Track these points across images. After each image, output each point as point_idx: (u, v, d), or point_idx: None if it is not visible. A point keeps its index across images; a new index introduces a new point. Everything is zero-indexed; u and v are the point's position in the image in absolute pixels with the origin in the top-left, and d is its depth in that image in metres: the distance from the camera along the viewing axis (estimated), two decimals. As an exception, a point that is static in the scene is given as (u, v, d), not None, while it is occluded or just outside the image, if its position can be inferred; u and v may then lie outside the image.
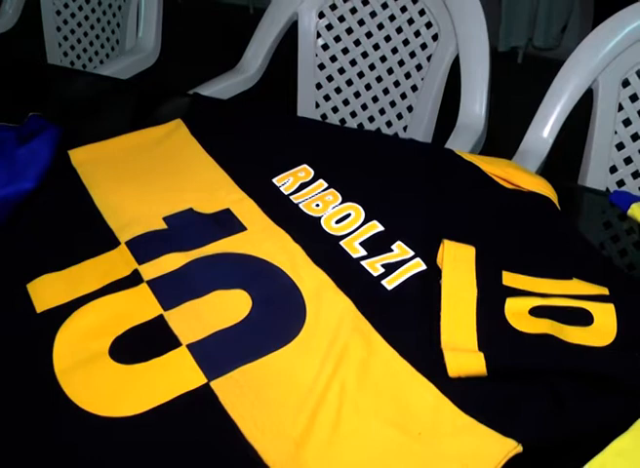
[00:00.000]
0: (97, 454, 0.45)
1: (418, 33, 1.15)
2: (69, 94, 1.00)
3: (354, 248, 0.62)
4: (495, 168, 0.71)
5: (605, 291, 0.54)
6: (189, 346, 0.52)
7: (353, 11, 1.20)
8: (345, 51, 1.22)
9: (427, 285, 0.56)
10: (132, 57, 1.36)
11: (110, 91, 1.02)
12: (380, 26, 1.18)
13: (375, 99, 1.23)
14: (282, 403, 0.48)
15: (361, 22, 1.20)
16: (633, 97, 0.98)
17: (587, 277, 0.56)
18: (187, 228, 0.65)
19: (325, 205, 0.67)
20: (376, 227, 0.64)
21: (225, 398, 0.48)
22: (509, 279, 0.55)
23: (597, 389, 0.46)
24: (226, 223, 0.65)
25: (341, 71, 1.24)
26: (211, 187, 0.71)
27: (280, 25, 1.22)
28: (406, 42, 1.17)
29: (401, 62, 1.18)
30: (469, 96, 1.08)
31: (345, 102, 1.26)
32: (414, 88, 1.18)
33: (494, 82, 1.07)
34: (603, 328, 0.50)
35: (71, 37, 1.54)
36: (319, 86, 1.26)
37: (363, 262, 0.60)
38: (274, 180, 0.72)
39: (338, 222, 0.65)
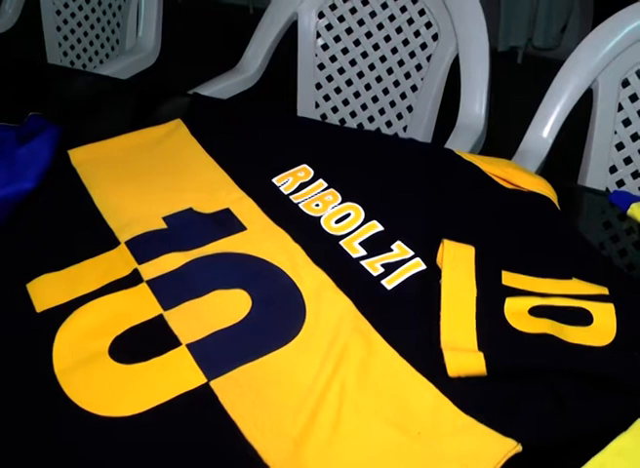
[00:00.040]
0: (96, 454, 0.45)
1: (417, 33, 1.15)
2: (69, 93, 1.00)
3: (354, 247, 0.62)
4: (494, 168, 0.71)
5: (605, 290, 0.54)
6: (189, 346, 0.52)
7: (353, 11, 1.20)
8: (345, 51, 1.22)
9: (427, 284, 0.56)
10: (132, 56, 1.36)
11: (110, 90, 1.02)
12: (380, 26, 1.18)
13: (374, 99, 1.23)
14: (282, 402, 0.48)
15: (361, 22, 1.20)
16: (633, 97, 0.98)
17: (587, 277, 0.56)
18: (187, 228, 0.65)
19: (325, 205, 0.67)
20: (375, 227, 0.64)
21: (225, 397, 0.48)
22: (509, 279, 0.55)
23: (597, 389, 0.46)
24: (226, 223, 0.65)
25: (341, 71, 1.24)
26: (211, 187, 0.71)
27: (280, 25, 1.22)
28: (406, 42, 1.17)
29: (401, 62, 1.18)
30: (469, 96, 1.08)
31: (345, 102, 1.26)
32: (413, 88, 1.18)
33: (493, 82, 1.07)
34: (603, 327, 0.50)
35: (71, 37, 1.54)
36: (319, 86, 1.26)
37: (363, 262, 0.60)
38: (274, 180, 0.72)
39: (337, 222, 0.65)
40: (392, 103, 1.21)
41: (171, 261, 0.60)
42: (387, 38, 1.18)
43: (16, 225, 0.66)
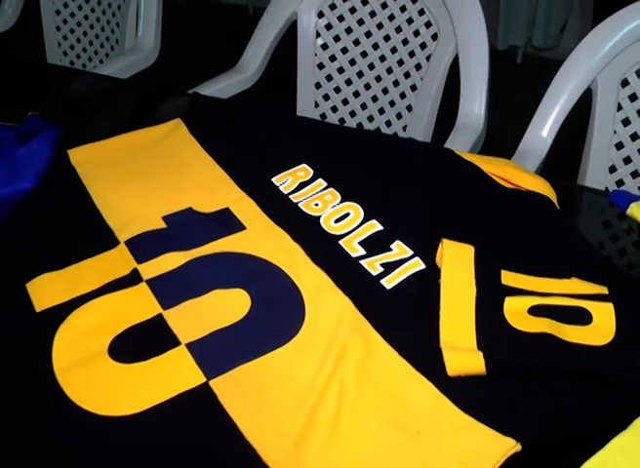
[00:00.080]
0: (96, 453, 0.45)
1: (417, 33, 1.15)
2: (69, 93, 1.00)
3: (353, 247, 0.62)
4: (494, 167, 0.71)
5: (604, 290, 0.54)
6: (188, 345, 0.52)
7: (352, 10, 1.20)
8: (345, 50, 1.22)
9: (426, 284, 0.56)
10: (131, 56, 1.36)
11: (110, 90, 1.02)
12: (380, 26, 1.18)
13: (374, 99, 1.23)
14: (281, 402, 0.48)
15: (360, 22, 1.20)
16: (632, 97, 0.98)
17: (587, 276, 0.56)
18: (187, 227, 0.65)
19: (324, 204, 0.67)
20: (375, 226, 0.64)
21: (224, 397, 0.48)
22: (508, 278, 0.55)
23: (596, 388, 0.46)
24: (226, 223, 0.65)
25: (341, 71, 1.24)
26: (210, 187, 0.71)
27: (279, 25, 1.23)
28: (405, 41, 1.17)
29: (400, 62, 1.18)
30: (469, 95, 1.08)
31: (345, 102, 1.26)
32: (413, 87, 1.18)
33: (493, 82, 1.07)
34: (602, 327, 0.50)
35: (71, 37, 1.54)
36: (318, 85, 1.26)
37: (362, 262, 0.60)
38: (273, 180, 0.72)
39: (337, 222, 0.65)
40: (392, 103, 1.21)
41: (170, 261, 0.60)
42: (387, 38, 1.18)
43: (15, 225, 0.66)
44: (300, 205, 0.68)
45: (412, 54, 1.17)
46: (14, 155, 0.72)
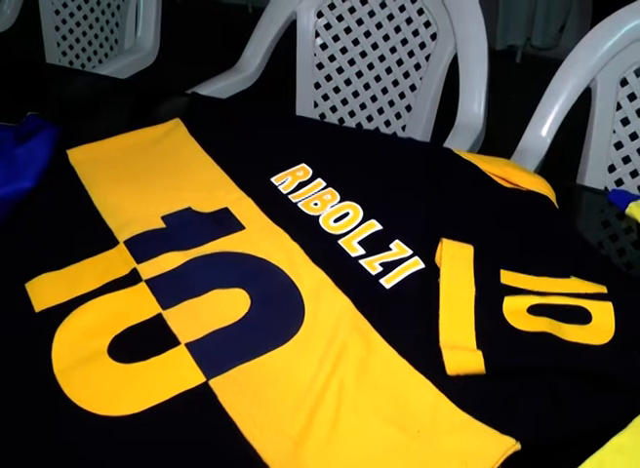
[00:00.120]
0: (96, 453, 0.45)
1: (416, 32, 1.15)
2: (68, 93, 1.00)
3: (353, 246, 0.62)
4: (493, 167, 0.71)
5: (603, 289, 0.54)
6: (188, 345, 0.52)
7: (352, 10, 1.20)
8: (344, 50, 1.22)
9: (426, 283, 0.56)
10: (130, 56, 1.36)
11: (109, 90, 1.02)
12: (379, 26, 1.18)
13: (373, 99, 1.23)
14: (281, 401, 0.48)
15: (360, 22, 1.20)
16: (631, 97, 0.98)
17: (586, 276, 0.56)
18: (186, 227, 0.65)
19: (323, 204, 0.67)
20: (374, 226, 0.64)
21: (224, 396, 0.48)
22: (508, 277, 0.55)
23: (595, 387, 0.46)
24: (225, 222, 0.65)
25: (340, 71, 1.24)
26: (209, 186, 0.71)
27: (279, 25, 1.22)
28: (404, 41, 1.17)
29: (400, 62, 1.18)
30: (468, 95, 1.08)
31: (344, 102, 1.26)
32: (412, 87, 1.18)
33: (492, 81, 1.07)
34: (601, 326, 0.50)
35: (70, 37, 1.53)
36: (317, 85, 1.26)
37: (361, 261, 0.60)
38: (273, 179, 0.72)
39: (336, 221, 0.65)
40: (391, 103, 1.21)
41: (170, 261, 0.60)
42: (386, 37, 1.18)
43: (14, 225, 0.66)
44: (299, 204, 0.68)
45: (411, 53, 1.17)
46: (13, 155, 0.72)
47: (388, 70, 1.20)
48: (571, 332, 0.50)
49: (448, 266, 0.56)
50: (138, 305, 0.56)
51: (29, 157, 0.72)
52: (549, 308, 0.52)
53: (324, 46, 1.23)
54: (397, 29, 1.17)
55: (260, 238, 0.63)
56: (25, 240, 0.65)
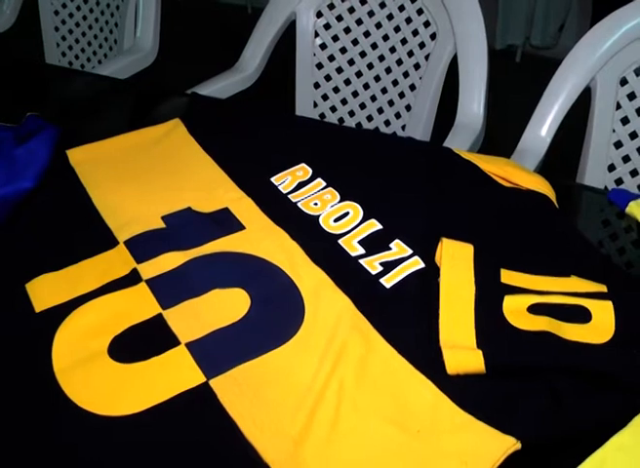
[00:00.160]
0: (96, 453, 0.45)
1: (416, 32, 1.15)
2: (67, 93, 1.00)
3: (353, 246, 0.62)
4: (493, 166, 0.71)
5: (603, 288, 0.54)
6: (188, 345, 0.52)
7: (351, 10, 1.20)
8: (343, 50, 1.22)
9: (426, 283, 0.56)
10: (130, 56, 1.36)
11: (108, 90, 1.02)
12: (379, 25, 1.19)
13: (373, 99, 1.23)
14: (281, 401, 0.48)
15: (359, 22, 1.20)
16: (631, 96, 0.98)
17: (586, 275, 0.56)
18: (186, 227, 0.65)
19: (323, 203, 0.67)
20: (374, 226, 0.64)
21: (224, 396, 0.48)
22: (507, 277, 0.55)
23: (595, 386, 0.46)
24: (225, 222, 0.65)
25: (339, 70, 1.24)
26: (209, 186, 0.71)
27: (278, 25, 1.22)
28: (404, 41, 1.17)
29: (399, 61, 1.18)
30: (467, 94, 1.08)
31: (344, 102, 1.26)
32: (412, 87, 1.18)
33: (492, 81, 1.07)
34: (601, 325, 0.50)
35: (69, 37, 1.53)
36: (317, 85, 1.26)
37: (361, 261, 0.60)
38: (272, 179, 0.72)
39: (336, 221, 0.65)
40: (391, 102, 1.21)
41: (170, 261, 0.60)
42: (386, 37, 1.18)
43: (14, 225, 0.66)
44: (299, 204, 0.68)
45: (410, 53, 1.17)
46: (13, 155, 0.72)
47: (388, 70, 1.20)
48: (571, 331, 0.50)
49: (448, 266, 0.56)
50: (138, 305, 0.56)
51: (29, 157, 0.72)
52: (549, 307, 0.52)
53: (323, 46, 1.23)
54: (397, 29, 1.17)
55: (260, 238, 0.63)
56: (25, 240, 0.65)
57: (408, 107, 1.19)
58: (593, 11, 2.49)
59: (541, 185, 0.69)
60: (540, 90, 0.99)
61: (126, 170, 0.75)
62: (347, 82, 1.24)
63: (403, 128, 1.20)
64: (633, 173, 1.01)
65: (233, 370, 0.50)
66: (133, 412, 0.47)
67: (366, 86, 1.23)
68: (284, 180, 0.71)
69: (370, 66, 1.21)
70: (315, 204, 0.67)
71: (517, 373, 0.48)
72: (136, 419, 0.47)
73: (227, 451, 0.45)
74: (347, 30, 1.21)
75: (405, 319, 0.54)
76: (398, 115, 1.21)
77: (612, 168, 1.02)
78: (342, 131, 0.87)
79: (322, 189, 0.69)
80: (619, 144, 1.01)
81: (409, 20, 1.16)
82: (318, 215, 0.66)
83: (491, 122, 1.09)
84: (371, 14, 1.19)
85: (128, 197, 0.69)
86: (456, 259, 0.57)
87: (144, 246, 0.62)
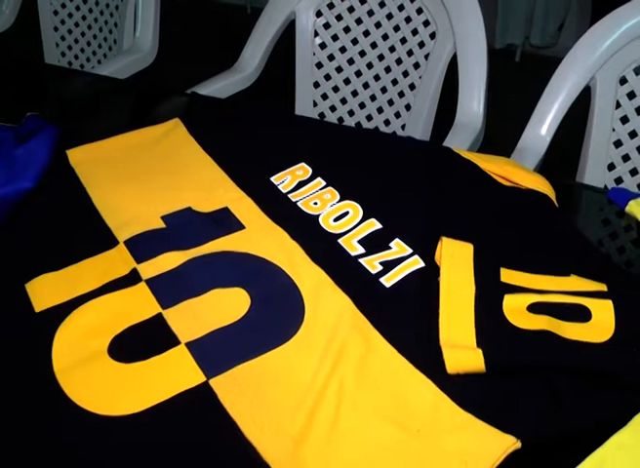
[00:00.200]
0: (96, 453, 0.45)
1: (415, 31, 1.15)
2: (67, 94, 1.00)
3: (352, 245, 0.62)
4: (493, 165, 0.71)
5: (603, 287, 0.54)
6: (188, 344, 0.52)
7: (351, 9, 1.20)
8: (343, 49, 1.22)
9: (426, 282, 0.56)
10: (129, 56, 1.36)
11: (108, 90, 1.02)
12: (378, 25, 1.19)
13: (373, 98, 1.23)
14: (281, 401, 0.48)
15: (358, 21, 1.20)
16: (631, 95, 0.98)
17: (586, 274, 0.56)
18: (186, 227, 0.65)
19: (323, 203, 0.67)
20: (374, 225, 0.64)
21: (224, 396, 0.48)
22: (507, 276, 0.55)
23: (595, 385, 0.46)
24: (224, 222, 0.65)
25: (339, 70, 1.24)
26: (209, 186, 0.71)
27: (277, 24, 1.22)
28: (403, 40, 1.17)
29: (399, 61, 1.18)
30: (467, 94, 1.08)
31: (343, 101, 1.26)
32: (412, 86, 1.18)
33: (491, 80, 1.07)
34: (601, 324, 0.51)
35: (69, 37, 1.53)
36: (317, 85, 1.26)
37: (361, 260, 0.60)
38: (272, 179, 0.72)
39: (336, 220, 0.65)
40: (390, 102, 1.21)
41: (169, 260, 0.60)
42: (385, 37, 1.18)
43: (14, 225, 0.66)
44: (298, 204, 0.68)
45: (410, 52, 1.17)
46: (13, 155, 0.72)
47: (387, 69, 1.20)
48: (571, 330, 0.50)
49: (448, 265, 0.56)
50: (138, 305, 0.56)
51: (29, 157, 0.72)
52: (549, 306, 0.52)
53: (323, 45, 1.23)
54: (396, 28, 1.17)
55: (260, 237, 0.63)
56: (25, 240, 0.65)
57: (407, 107, 1.19)
58: (593, 10, 2.49)
59: (541, 184, 0.69)
60: (540, 89, 0.99)
61: (126, 169, 0.75)
62: (347, 81, 1.24)
63: (403, 127, 1.20)
64: (633, 172, 1.01)
65: (233, 369, 0.50)
66: (133, 412, 0.47)
67: (365, 85, 1.23)
68: (284, 180, 0.71)
69: (369, 66, 1.21)
70: (315, 203, 0.67)
71: (517, 372, 0.48)
72: (136, 419, 0.47)
73: (227, 451, 0.45)
74: (347, 30, 1.21)
75: (405, 318, 0.54)
76: (398, 114, 1.21)
77: (611, 167, 1.02)
78: (342, 130, 0.87)
79: (322, 189, 0.69)
80: (618, 143, 1.01)
81: (408, 20, 1.16)
82: (318, 215, 0.66)
83: (490, 121, 1.09)
84: (370, 13, 1.19)
85: (128, 197, 0.69)
86: (455, 259, 0.57)
87: (144, 246, 0.62)
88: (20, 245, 0.64)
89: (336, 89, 1.25)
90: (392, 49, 1.18)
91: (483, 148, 1.05)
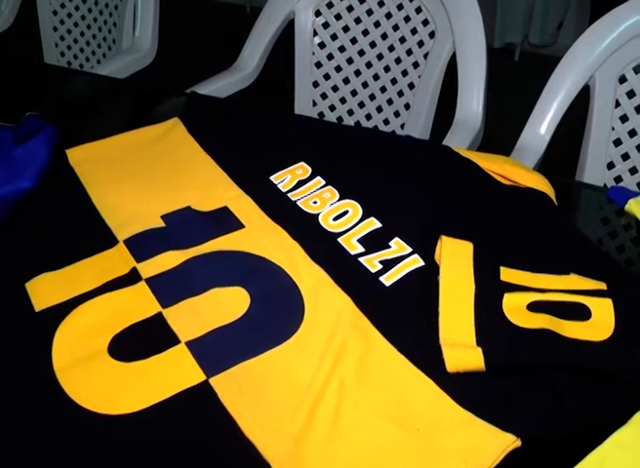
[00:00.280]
0: (96, 452, 0.45)
1: (414, 31, 1.15)
2: (66, 93, 1.00)
3: (352, 244, 0.62)
4: (492, 164, 0.71)
5: (603, 285, 0.54)
6: (188, 343, 0.52)
7: (350, 9, 1.20)
8: (342, 49, 1.22)
9: (425, 281, 0.56)
10: (129, 56, 1.36)
11: (107, 90, 1.02)
12: (377, 24, 1.19)
13: (372, 97, 1.23)
14: (281, 399, 0.48)
15: (357, 20, 1.20)
16: (630, 94, 0.98)
17: (585, 272, 0.56)
18: (185, 226, 0.65)
19: (323, 202, 0.67)
20: (373, 224, 0.64)
21: (224, 395, 0.48)
22: (507, 274, 0.55)
23: (595, 383, 0.46)
24: (224, 221, 0.65)
25: (338, 69, 1.24)
26: (208, 185, 0.71)
27: (277, 24, 1.22)
28: (402, 40, 1.17)
29: (398, 60, 1.18)
30: (466, 93, 1.08)
31: (342, 100, 1.26)
32: (411, 85, 1.18)
33: (490, 79, 1.07)
34: (601, 322, 0.51)
35: (68, 37, 1.53)
36: (316, 84, 1.26)
37: (361, 259, 0.60)
38: (272, 178, 0.72)
39: (335, 219, 0.65)
40: (390, 101, 1.21)
41: (169, 259, 0.60)
42: (384, 36, 1.18)
43: (14, 225, 0.66)
44: (298, 203, 0.68)
45: (409, 52, 1.17)
46: (12, 155, 0.72)
47: (387, 69, 1.20)
48: (570, 329, 0.50)
49: (447, 264, 0.56)
50: (137, 304, 0.56)
51: (28, 157, 0.72)
52: (549, 305, 0.52)
53: (322, 44, 1.23)
54: (395, 28, 1.17)
55: (260, 236, 0.63)
56: (25, 240, 0.65)
57: (407, 106, 1.19)
58: (592, 9, 2.49)
59: (541, 183, 0.69)
60: (539, 88, 0.99)
61: (125, 169, 0.75)
62: (346, 81, 1.24)
63: (402, 126, 1.20)
64: (632, 170, 1.01)
65: (233, 368, 0.50)
66: (133, 411, 0.47)
67: (365, 84, 1.23)
68: (283, 179, 0.71)
69: (369, 65, 1.21)
70: (314, 202, 0.67)
71: (517, 371, 0.48)
72: (136, 418, 0.47)
73: (228, 450, 0.45)
74: (346, 29, 1.21)
75: (405, 317, 0.54)
76: (397, 114, 1.21)
77: (611, 165, 1.02)
78: (341, 129, 0.88)
79: (321, 188, 0.69)
80: (618, 142, 1.01)
81: (407, 19, 1.16)
82: (317, 214, 0.66)
83: (490, 120, 1.09)
84: (369, 12, 1.19)
85: (127, 196, 0.69)
86: (455, 257, 0.57)
87: (144, 245, 0.62)
88: (20, 244, 0.64)
89: (335, 88, 1.25)
90: (391, 48, 1.18)
91: (482, 147, 1.05)
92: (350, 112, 1.26)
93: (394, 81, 1.20)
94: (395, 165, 0.73)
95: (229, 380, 0.49)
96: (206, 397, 0.48)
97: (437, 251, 0.58)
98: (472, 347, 0.49)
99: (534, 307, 0.52)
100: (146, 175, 0.74)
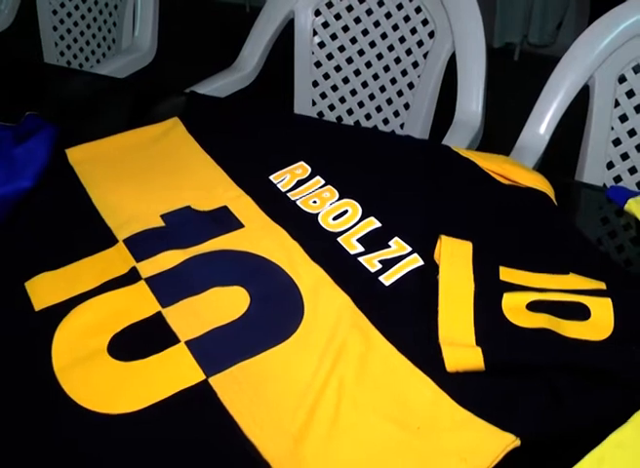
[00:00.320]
0: (95, 451, 0.45)
1: (414, 30, 1.15)
2: (66, 93, 1.00)
3: (351, 244, 0.62)
4: (491, 164, 0.71)
5: (602, 285, 0.54)
6: (188, 343, 0.52)
7: (349, 8, 1.20)
8: (342, 48, 1.22)
9: (425, 280, 0.56)
10: (128, 56, 1.36)
11: (107, 90, 1.02)
12: (377, 24, 1.19)
13: (371, 97, 1.23)
14: (280, 399, 0.48)
15: (357, 20, 1.20)
16: (629, 93, 0.98)
17: (585, 272, 0.56)
18: (185, 226, 0.65)
19: (322, 201, 0.67)
20: (373, 224, 0.64)
21: (224, 394, 0.48)
22: (507, 274, 0.55)
23: (594, 383, 0.46)
24: (224, 221, 0.65)
25: (338, 69, 1.24)
26: (208, 185, 0.71)
27: (276, 23, 1.22)
28: (402, 39, 1.17)
29: (397, 60, 1.18)
30: (466, 92, 1.08)
31: (342, 100, 1.26)
32: (410, 85, 1.18)
33: (490, 79, 1.08)
34: (600, 322, 0.51)
35: (67, 37, 1.53)
36: (315, 84, 1.26)
37: (360, 258, 0.60)
38: (271, 178, 0.72)
39: (335, 219, 0.65)
40: (389, 101, 1.21)
41: (169, 259, 0.60)
42: (384, 36, 1.18)
43: (14, 224, 0.66)
44: (298, 202, 0.68)
45: (409, 51, 1.17)
46: (12, 155, 0.72)
47: (386, 68, 1.20)
48: (570, 329, 0.50)
49: (447, 263, 0.56)
50: (137, 303, 0.56)
51: (28, 157, 0.72)
52: (548, 304, 0.52)
53: (322, 44, 1.23)
54: (395, 27, 1.17)
55: (260, 236, 0.63)
56: (25, 239, 0.65)
57: (406, 105, 1.19)
58: (591, 8, 2.49)
59: (540, 183, 0.69)
60: (539, 88, 0.99)
61: (125, 168, 0.75)
62: (346, 80, 1.24)
63: (401, 126, 1.20)
64: (632, 170, 1.01)
65: (233, 367, 0.50)
66: (132, 410, 0.47)
67: (364, 84, 1.23)
68: (283, 179, 0.71)
69: (368, 65, 1.21)
70: (314, 202, 0.67)
71: (516, 371, 0.48)
72: (135, 417, 0.47)
73: (227, 449, 0.45)
74: (346, 29, 1.21)
75: (404, 316, 0.54)
76: (397, 113, 1.21)
77: (610, 165, 1.02)
78: (341, 129, 0.88)
79: (321, 187, 0.69)
80: (617, 142, 1.01)
81: (407, 19, 1.16)
82: (317, 213, 0.66)
83: (489, 120, 1.09)
84: (369, 12, 1.19)
85: (127, 196, 0.69)
86: (455, 257, 0.57)
87: (144, 244, 0.62)
88: (20, 244, 0.64)
89: (334, 88, 1.25)
90: (391, 48, 1.18)
91: (482, 147, 1.05)
92: (350, 112, 1.26)
93: (394, 81, 1.20)
94: (395, 164, 0.73)
95: (229, 380, 0.49)
96: (206, 396, 0.48)
97: (437, 250, 0.58)
98: (472, 347, 0.49)
99: (533, 307, 0.52)
100: (146, 174, 0.74)
